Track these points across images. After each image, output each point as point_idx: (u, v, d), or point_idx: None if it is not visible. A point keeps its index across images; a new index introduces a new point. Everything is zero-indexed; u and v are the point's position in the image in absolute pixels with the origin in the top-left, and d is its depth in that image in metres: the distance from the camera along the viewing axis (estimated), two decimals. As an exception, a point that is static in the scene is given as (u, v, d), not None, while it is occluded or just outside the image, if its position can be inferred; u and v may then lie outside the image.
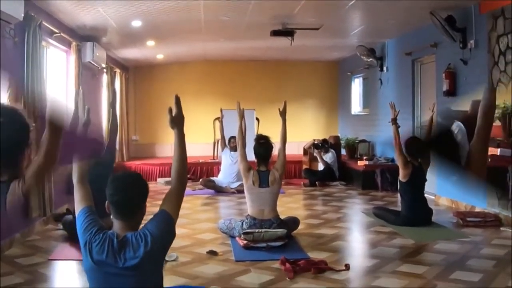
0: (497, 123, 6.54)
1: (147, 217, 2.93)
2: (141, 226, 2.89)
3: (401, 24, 9.60)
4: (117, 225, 2.81)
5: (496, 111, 6.37)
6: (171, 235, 2.88)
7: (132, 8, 7.63)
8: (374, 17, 9.11)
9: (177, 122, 3.02)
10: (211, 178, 10.88)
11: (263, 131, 6.97)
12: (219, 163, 11.25)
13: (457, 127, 6.95)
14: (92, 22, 8.42)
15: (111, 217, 2.86)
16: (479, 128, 2.50)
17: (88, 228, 2.80)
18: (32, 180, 2.56)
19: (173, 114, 3.00)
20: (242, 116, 6.61)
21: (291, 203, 8.90)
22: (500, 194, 6.81)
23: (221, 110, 10.49)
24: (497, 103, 5.92)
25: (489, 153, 6.43)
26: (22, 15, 5.90)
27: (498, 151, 6.50)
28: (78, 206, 2.93)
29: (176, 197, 2.97)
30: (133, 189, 2.81)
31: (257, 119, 12.61)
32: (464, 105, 7.52)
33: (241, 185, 8.68)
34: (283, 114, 6.38)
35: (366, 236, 6.48)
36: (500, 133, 6.57)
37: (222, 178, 10.57)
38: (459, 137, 6.74)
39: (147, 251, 2.70)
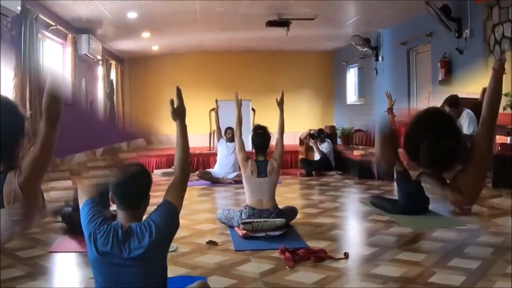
0: (508, 111, 6.52)
1: (149, 208, 2.96)
2: (144, 216, 2.92)
3: (396, 14, 9.62)
4: (121, 216, 2.83)
5: (508, 99, 6.33)
6: (175, 224, 2.91)
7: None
8: (369, 6, 9.13)
9: (179, 113, 3.05)
10: (207, 170, 10.88)
11: (259, 122, 6.99)
12: (215, 154, 11.26)
13: (467, 115, 6.90)
14: (88, 14, 8.43)
15: (110, 208, 2.88)
16: (484, 117, 2.49)
17: (92, 219, 2.82)
18: (28, 171, 2.57)
19: (175, 105, 3.03)
20: (240, 107, 6.63)
21: (288, 193, 8.93)
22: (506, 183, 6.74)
23: (216, 101, 10.50)
24: (507, 91, 5.89)
25: (499, 141, 6.42)
26: (19, 8, 5.91)
27: (508, 140, 6.48)
28: (82, 198, 2.95)
29: (179, 187, 3.00)
30: (137, 180, 2.84)
31: (253, 109, 12.63)
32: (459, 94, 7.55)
33: (238, 175, 8.72)
34: (280, 104, 6.41)
35: (364, 225, 6.51)
36: (510, 121, 6.55)
37: (218, 169, 10.57)
38: (471, 129, 6.68)
39: (152, 241, 2.73)
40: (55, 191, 6.83)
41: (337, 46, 14.54)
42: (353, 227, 6.73)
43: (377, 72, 11.97)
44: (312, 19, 9.71)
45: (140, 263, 2.74)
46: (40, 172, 2.61)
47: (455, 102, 7.06)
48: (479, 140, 2.46)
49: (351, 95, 14.68)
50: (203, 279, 4.16)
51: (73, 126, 2.73)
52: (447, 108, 6.99)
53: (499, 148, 6.48)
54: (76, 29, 9.05)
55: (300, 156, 12.28)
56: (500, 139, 6.44)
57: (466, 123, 6.92)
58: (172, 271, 4.41)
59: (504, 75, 3.60)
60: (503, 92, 6.01)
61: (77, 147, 2.94)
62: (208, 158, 12.12)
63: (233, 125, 6.76)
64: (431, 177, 2.69)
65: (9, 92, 5.65)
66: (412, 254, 4.91)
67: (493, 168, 6.63)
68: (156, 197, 3.04)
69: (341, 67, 14.85)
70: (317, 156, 11.59)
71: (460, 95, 7.36)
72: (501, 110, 6.35)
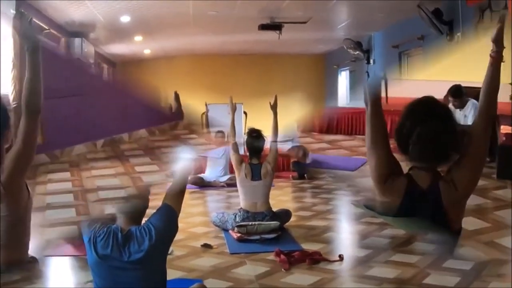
0: None
1: (148, 212, 2.98)
2: (144, 219, 2.94)
3: (388, 17, 9.68)
4: (121, 219, 2.85)
5: None
6: (174, 228, 2.93)
7: (121, 3, 7.64)
8: (361, 10, 9.19)
9: (177, 117, 3.07)
10: (199, 175, 10.80)
11: (251, 125, 7.02)
12: (205, 157, 11.19)
13: (472, 105, 6.78)
14: (81, 18, 8.44)
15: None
16: (481, 107, 2.45)
17: (91, 223, 2.84)
18: (11, 167, 2.53)
19: (173, 110, 3.05)
20: (234, 110, 6.66)
21: (281, 196, 8.90)
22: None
23: (206, 105, 10.49)
24: None
25: (504, 131, 6.35)
26: (13, 12, 5.91)
27: None
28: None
29: (178, 191, 3.01)
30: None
31: (244, 113, 12.62)
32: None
33: (230, 178, 8.71)
34: (274, 108, 6.48)
35: (357, 227, 6.50)
36: None
37: (209, 173, 10.47)
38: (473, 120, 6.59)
39: (151, 245, 2.75)
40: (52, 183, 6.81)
41: (329, 49, 14.59)
42: (347, 229, 6.72)
43: (368, 75, 11.97)
44: (305, 22, 9.76)
45: (140, 267, 2.76)
46: (23, 167, 2.57)
47: (458, 92, 6.85)
48: (476, 131, 2.43)
49: (343, 98, 14.72)
50: (200, 281, 4.18)
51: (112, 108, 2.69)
52: (450, 98, 6.78)
53: (504, 138, 6.37)
54: (69, 32, 9.06)
55: (292, 159, 12.28)
56: (504, 129, 6.34)
57: (471, 114, 6.71)
58: (169, 274, 4.36)
59: (502, 63, 3.55)
60: (509, 82, 5.96)
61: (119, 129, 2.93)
62: (200, 163, 12.04)
63: (223, 128, 6.79)
64: (423, 170, 2.65)
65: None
66: (406, 255, 4.93)
67: (498, 158, 6.54)
68: (152, 200, 3.05)
69: (333, 70, 14.90)
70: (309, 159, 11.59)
71: (465, 84, 7.14)
72: (507, 100, 6.30)
